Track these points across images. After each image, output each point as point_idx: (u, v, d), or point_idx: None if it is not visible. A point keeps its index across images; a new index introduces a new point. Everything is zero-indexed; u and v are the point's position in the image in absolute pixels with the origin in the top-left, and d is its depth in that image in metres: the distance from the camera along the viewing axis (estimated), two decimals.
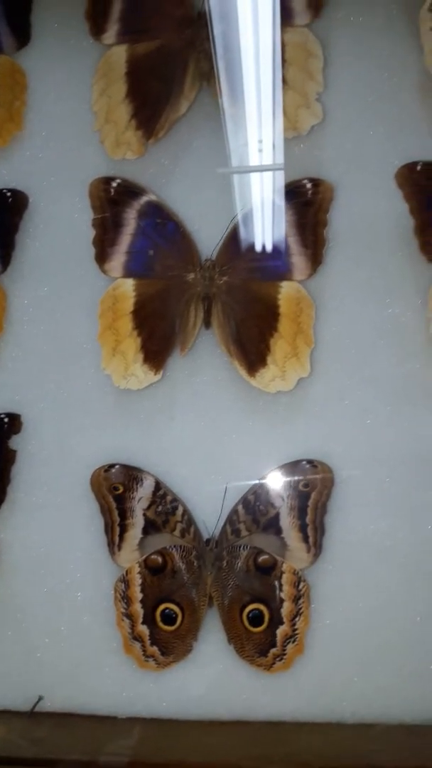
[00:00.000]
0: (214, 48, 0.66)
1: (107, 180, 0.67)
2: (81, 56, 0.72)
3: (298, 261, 0.66)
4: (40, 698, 0.66)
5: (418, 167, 0.64)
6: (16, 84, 0.73)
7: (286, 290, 0.65)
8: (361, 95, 0.70)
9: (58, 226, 0.71)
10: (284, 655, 0.63)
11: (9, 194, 0.71)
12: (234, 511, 0.64)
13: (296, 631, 0.63)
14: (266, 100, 0.66)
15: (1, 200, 0.70)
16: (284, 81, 0.66)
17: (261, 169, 0.67)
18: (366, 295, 0.67)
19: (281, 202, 0.66)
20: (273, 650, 0.63)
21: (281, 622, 0.63)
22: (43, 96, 0.73)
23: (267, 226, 0.66)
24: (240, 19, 0.64)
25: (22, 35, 0.74)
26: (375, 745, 0.61)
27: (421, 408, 0.65)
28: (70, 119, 0.72)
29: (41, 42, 0.74)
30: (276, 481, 0.64)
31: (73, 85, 0.72)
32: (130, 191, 0.67)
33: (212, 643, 0.65)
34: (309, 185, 0.66)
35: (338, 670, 0.63)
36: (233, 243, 0.66)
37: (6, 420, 0.69)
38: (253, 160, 0.68)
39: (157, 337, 0.66)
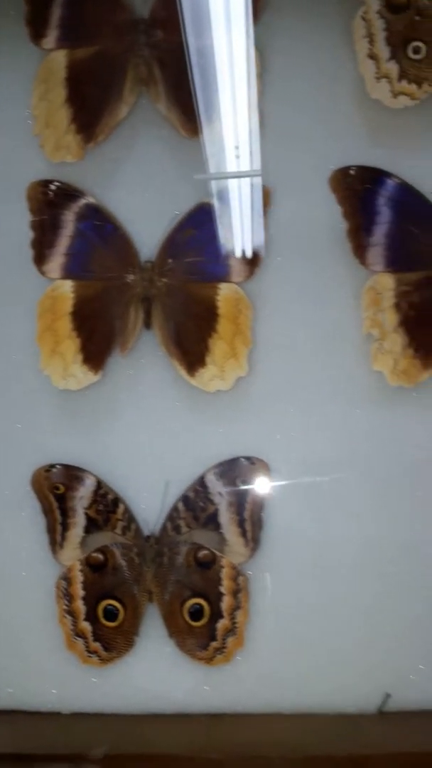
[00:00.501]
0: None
1: (45, 183, 0.68)
2: (22, 63, 0.72)
3: (236, 263, 0.67)
4: None
5: (351, 171, 0.66)
6: None
7: (225, 292, 0.67)
8: (298, 101, 0.71)
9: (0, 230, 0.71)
10: (224, 648, 0.65)
11: None
12: (174, 508, 0.66)
13: (236, 625, 0.64)
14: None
15: None
16: None
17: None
18: (303, 297, 0.68)
19: (220, 204, 0.67)
20: (213, 644, 0.64)
21: (221, 616, 0.64)
22: None
23: (205, 228, 0.67)
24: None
25: None
26: (313, 736, 0.63)
27: (357, 407, 0.67)
28: (12, 125, 0.72)
29: None
30: (215, 478, 0.65)
31: (14, 91, 0.72)
32: (68, 194, 0.68)
33: (153, 638, 0.66)
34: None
35: (278, 662, 0.65)
36: (172, 245, 0.67)
37: None
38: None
39: (97, 337, 0.67)
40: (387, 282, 0.65)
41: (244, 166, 0.68)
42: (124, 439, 0.68)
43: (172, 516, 0.66)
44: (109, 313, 0.67)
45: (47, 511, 0.67)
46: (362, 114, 0.70)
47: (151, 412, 0.68)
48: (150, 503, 0.67)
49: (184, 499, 0.65)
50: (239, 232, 0.67)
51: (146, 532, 0.66)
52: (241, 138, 0.67)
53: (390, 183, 0.65)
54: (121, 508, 0.66)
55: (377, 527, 0.65)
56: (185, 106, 0.67)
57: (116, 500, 0.66)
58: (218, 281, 0.67)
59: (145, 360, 0.69)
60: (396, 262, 0.65)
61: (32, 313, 0.68)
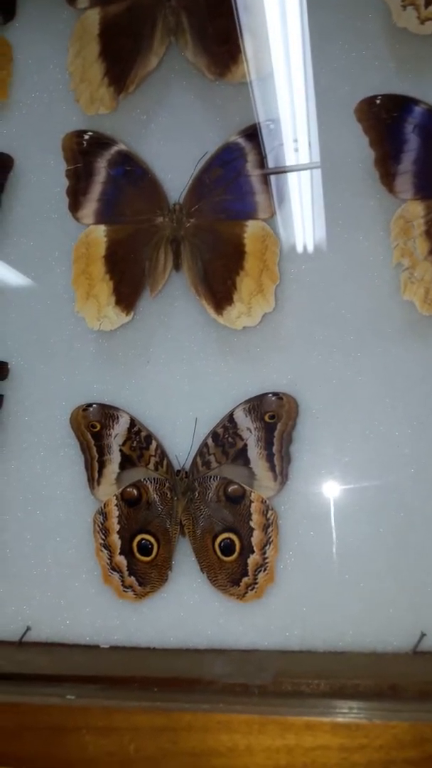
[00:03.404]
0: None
1: (79, 133, 0.71)
2: (61, 25, 0.76)
3: (262, 199, 0.67)
4: (28, 629, 0.69)
5: (378, 100, 0.65)
6: (3, 56, 0.77)
7: (252, 229, 0.67)
8: (324, 33, 0.70)
9: (41, 184, 0.75)
10: (256, 584, 0.64)
11: None
12: (204, 444, 0.66)
13: (266, 560, 0.64)
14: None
15: None
16: None
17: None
18: (331, 230, 0.67)
19: (244, 143, 0.68)
20: (245, 579, 0.64)
21: (252, 551, 0.64)
22: (27, 65, 0.77)
23: (232, 167, 0.68)
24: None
25: (7, 11, 0.79)
26: (345, 670, 0.61)
27: (387, 340, 0.65)
28: (51, 84, 0.76)
29: (25, 15, 0.79)
30: (243, 414, 0.65)
31: (53, 52, 0.76)
32: (100, 142, 0.70)
33: (186, 574, 0.67)
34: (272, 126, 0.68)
35: (310, 599, 0.64)
36: (200, 185, 0.68)
37: None
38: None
39: (128, 280, 0.69)
40: (416, 209, 0.63)
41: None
42: (156, 377, 0.70)
43: (202, 452, 0.66)
44: (140, 256, 0.69)
45: (85, 449, 0.69)
46: (389, 46, 0.69)
47: (181, 351, 0.70)
48: (181, 440, 0.68)
49: (214, 435, 0.66)
50: (262, 167, 0.67)
51: (177, 467, 0.67)
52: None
53: (417, 110, 0.64)
54: (153, 445, 0.67)
55: (413, 461, 0.63)
56: (211, 50, 0.69)
57: (149, 437, 0.68)
58: (245, 219, 0.67)
59: (176, 302, 0.70)
60: (425, 189, 0.63)
61: (69, 258, 0.71)
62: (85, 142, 0.70)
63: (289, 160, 0.69)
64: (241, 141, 0.68)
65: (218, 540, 0.65)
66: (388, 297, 0.65)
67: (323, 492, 0.65)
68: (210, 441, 0.66)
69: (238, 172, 0.67)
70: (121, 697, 0.57)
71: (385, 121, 0.64)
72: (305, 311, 0.67)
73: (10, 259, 0.75)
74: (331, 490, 0.64)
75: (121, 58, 0.71)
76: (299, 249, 0.68)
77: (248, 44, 0.67)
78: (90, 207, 0.70)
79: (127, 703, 0.55)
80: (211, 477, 0.66)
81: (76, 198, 0.70)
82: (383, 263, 0.66)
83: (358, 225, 0.67)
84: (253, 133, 0.68)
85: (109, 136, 0.71)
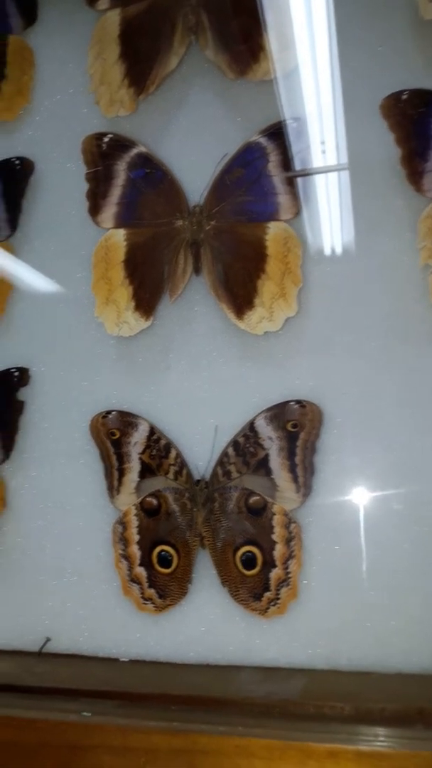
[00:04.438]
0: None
1: (99, 135, 0.70)
2: (81, 28, 0.75)
3: (285, 200, 0.65)
4: (48, 640, 0.68)
5: (404, 96, 0.62)
6: (24, 60, 0.77)
7: (274, 231, 0.65)
8: (351, 29, 0.68)
9: (61, 188, 0.74)
10: (278, 599, 0.62)
11: (17, 162, 0.75)
12: (224, 453, 0.64)
13: (289, 575, 0.62)
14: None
15: (11, 168, 0.75)
16: None
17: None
18: (355, 231, 0.65)
19: (266, 142, 0.66)
20: (267, 594, 0.62)
21: (274, 565, 0.62)
22: (47, 69, 0.77)
23: (253, 167, 0.66)
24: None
25: (29, 15, 0.78)
26: (370, 692, 0.59)
27: (412, 345, 0.62)
28: (72, 87, 0.75)
29: (46, 19, 0.78)
30: (265, 423, 0.63)
31: (74, 55, 0.75)
32: (120, 144, 0.69)
33: (207, 588, 0.65)
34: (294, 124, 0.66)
35: (333, 615, 0.61)
36: (220, 186, 0.66)
37: (16, 373, 0.72)
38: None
39: (148, 284, 0.67)
40: None
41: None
42: (175, 384, 0.68)
43: (222, 461, 0.64)
44: (159, 260, 0.67)
45: (104, 457, 0.68)
46: (417, 40, 0.66)
47: (201, 358, 0.68)
48: (200, 448, 0.66)
49: (234, 444, 0.64)
50: (284, 167, 0.65)
51: (197, 477, 0.65)
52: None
53: None
54: (173, 453, 0.66)
55: None
56: (232, 48, 0.67)
57: (168, 445, 0.66)
58: (267, 220, 0.65)
59: (197, 306, 0.69)
60: None
61: (89, 262, 0.70)
62: (104, 145, 0.69)
63: (315, 160, 0.66)
64: (263, 141, 0.66)
65: (239, 553, 0.63)
66: (415, 301, 0.62)
67: (348, 504, 0.62)
68: (230, 450, 0.64)
69: (259, 173, 0.65)
70: (137, 716, 0.55)
71: (412, 117, 0.62)
72: (329, 316, 0.65)
73: (30, 264, 0.74)
74: (357, 502, 0.62)
75: (141, 58, 0.70)
76: (323, 251, 0.65)
77: (273, 41, 0.65)
78: (110, 210, 0.69)
79: (144, 722, 0.53)
80: (231, 487, 0.64)
81: (95, 201, 0.69)
82: (410, 265, 0.63)
83: (384, 226, 0.64)
84: (274, 133, 0.66)
85: (129, 138, 0.70)
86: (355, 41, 0.67)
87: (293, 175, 0.65)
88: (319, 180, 0.67)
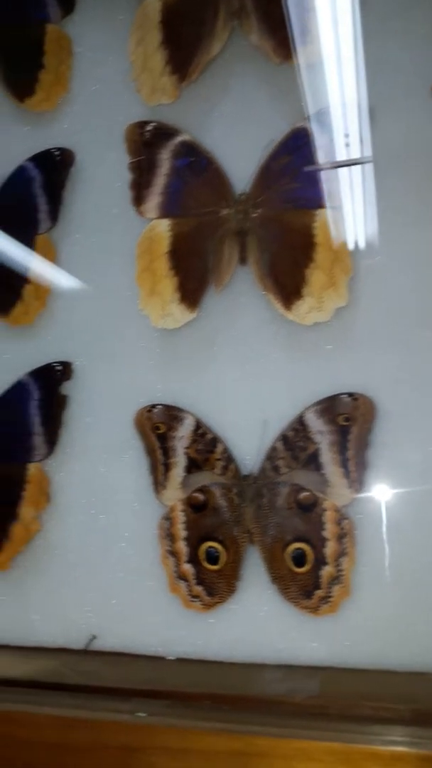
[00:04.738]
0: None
1: (142, 124, 0.68)
2: (121, 15, 0.74)
3: (333, 186, 0.63)
4: (93, 637, 0.67)
5: None
6: (62, 50, 0.76)
7: (322, 218, 0.63)
8: (394, 21, 0.66)
9: (102, 179, 0.73)
10: (330, 597, 0.60)
11: (57, 153, 0.74)
12: (273, 448, 0.63)
13: (342, 572, 0.60)
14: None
15: (51, 159, 0.74)
16: None
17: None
18: (409, 218, 0.63)
19: (318, 126, 0.64)
20: (318, 592, 0.61)
21: (325, 563, 0.60)
22: (86, 58, 0.76)
23: (301, 153, 0.64)
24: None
25: (67, 4, 0.77)
26: (427, 693, 0.57)
27: None
28: (111, 76, 0.74)
29: (84, 8, 0.77)
30: (315, 416, 0.62)
31: (113, 44, 0.74)
32: (163, 133, 0.68)
33: (256, 585, 0.63)
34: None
35: (387, 614, 0.60)
36: (267, 174, 0.65)
37: (59, 368, 0.72)
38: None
39: (193, 275, 0.66)
40: None
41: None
42: (221, 377, 0.67)
43: (271, 456, 0.63)
44: (204, 250, 0.66)
45: (150, 451, 0.67)
46: None
47: (248, 350, 0.66)
48: (248, 443, 0.64)
49: (283, 438, 0.62)
50: (339, 155, 0.63)
51: (245, 472, 0.64)
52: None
53: None
54: (219, 448, 0.64)
55: None
56: (277, 32, 0.65)
57: (215, 440, 0.65)
58: (315, 207, 0.63)
59: (242, 297, 0.67)
60: None
61: (132, 254, 0.68)
62: (147, 134, 0.68)
63: (356, 151, 0.64)
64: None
65: (289, 550, 0.62)
66: None
67: (402, 500, 0.60)
68: (279, 444, 0.62)
69: (306, 159, 0.63)
70: (191, 716, 0.54)
71: None
72: (380, 306, 0.63)
73: (72, 257, 0.73)
74: (411, 498, 0.60)
75: (183, 45, 0.69)
76: (374, 238, 0.63)
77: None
78: (153, 200, 0.67)
79: (200, 723, 0.52)
80: (280, 483, 0.62)
81: (139, 191, 0.68)
82: None
83: None
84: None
85: (172, 126, 0.68)
86: (400, 32, 0.65)
87: (329, 167, 0.63)
88: (365, 168, 0.65)
